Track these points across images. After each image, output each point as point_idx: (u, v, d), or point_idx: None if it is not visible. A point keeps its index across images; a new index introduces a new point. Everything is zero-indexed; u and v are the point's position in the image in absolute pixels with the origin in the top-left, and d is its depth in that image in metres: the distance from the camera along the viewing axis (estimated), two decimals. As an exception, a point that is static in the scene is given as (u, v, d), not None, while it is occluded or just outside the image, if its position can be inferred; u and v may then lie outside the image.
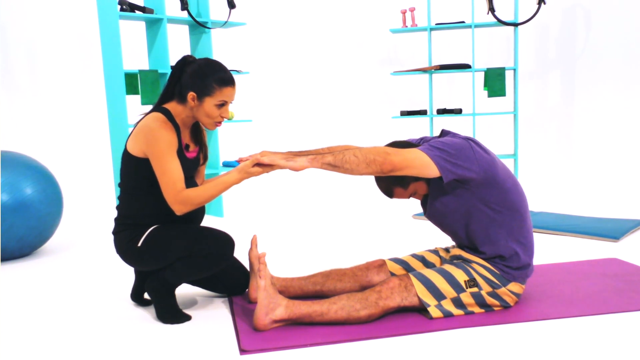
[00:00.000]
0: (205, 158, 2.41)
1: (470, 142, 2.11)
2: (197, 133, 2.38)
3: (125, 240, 2.24)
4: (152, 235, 2.21)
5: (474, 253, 2.24)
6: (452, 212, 2.18)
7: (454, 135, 2.19)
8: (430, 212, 2.26)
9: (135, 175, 2.23)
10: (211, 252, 2.18)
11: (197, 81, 2.18)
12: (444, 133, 2.26)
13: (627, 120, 5.82)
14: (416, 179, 2.19)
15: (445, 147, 2.06)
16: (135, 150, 2.21)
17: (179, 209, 2.13)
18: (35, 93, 5.76)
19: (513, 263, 2.18)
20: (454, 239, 2.32)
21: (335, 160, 2.02)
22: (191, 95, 2.19)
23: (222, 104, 2.22)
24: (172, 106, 2.26)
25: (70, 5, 5.87)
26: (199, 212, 2.35)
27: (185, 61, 2.25)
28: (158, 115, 2.19)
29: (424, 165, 2.02)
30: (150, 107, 4.90)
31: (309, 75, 6.85)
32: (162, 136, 2.13)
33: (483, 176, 2.09)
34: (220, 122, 2.27)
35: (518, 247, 2.18)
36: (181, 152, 2.25)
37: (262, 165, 2.13)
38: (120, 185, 2.30)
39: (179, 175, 2.14)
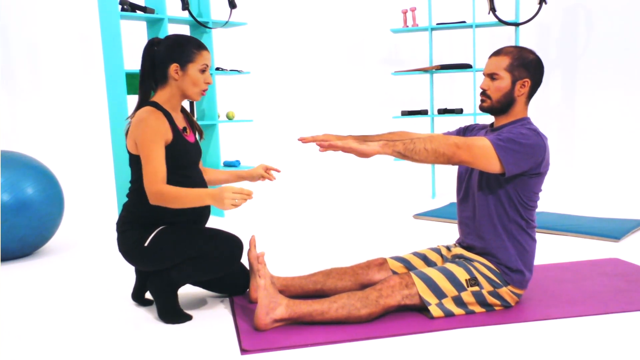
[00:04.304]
0: (201, 133, 2.41)
1: (546, 143, 2.10)
2: (184, 113, 2.39)
3: (131, 239, 2.22)
4: (160, 235, 2.20)
5: (471, 243, 2.26)
6: (485, 178, 2.19)
7: (537, 133, 2.10)
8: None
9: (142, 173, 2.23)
10: (222, 254, 2.17)
11: (177, 52, 2.19)
12: (524, 122, 2.21)
13: (628, 120, 5.81)
14: (511, 101, 2.18)
15: (518, 146, 2.04)
16: (132, 148, 2.20)
17: (153, 200, 2.11)
18: (36, 93, 5.76)
19: (512, 265, 2.18)
20: (460, 205, 2.33)
21: (406, 149, 2.02)
22: (174, 67, 2.20)
23: (204, 69, 2.23)
24: (157, 96, 2.26)
25: (72, 5, 5.88)
26: (205, 214, 2.35)
27: (152, 43, 2.25)
28: (146, 107, 2.19)
29: (490, 163, 2.04)
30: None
31: (310, 75, 6.85)
32: (149, 125, 2.12)
33: (537, 176, 2.12)
34: (205, 90, 2.26)
35: (519, 252, 2.19)
36: (181, 136, 2.24)
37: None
38: (131, 182, 2.29)
39: (161, 166, 2.12)
